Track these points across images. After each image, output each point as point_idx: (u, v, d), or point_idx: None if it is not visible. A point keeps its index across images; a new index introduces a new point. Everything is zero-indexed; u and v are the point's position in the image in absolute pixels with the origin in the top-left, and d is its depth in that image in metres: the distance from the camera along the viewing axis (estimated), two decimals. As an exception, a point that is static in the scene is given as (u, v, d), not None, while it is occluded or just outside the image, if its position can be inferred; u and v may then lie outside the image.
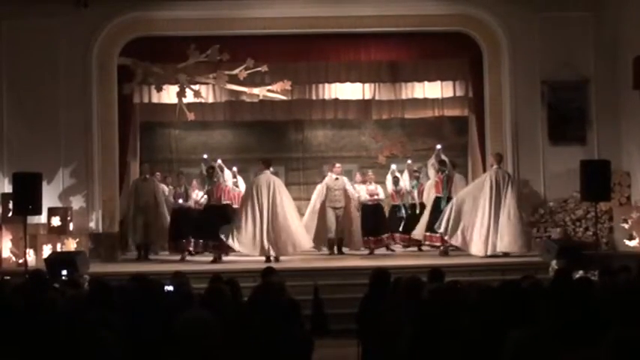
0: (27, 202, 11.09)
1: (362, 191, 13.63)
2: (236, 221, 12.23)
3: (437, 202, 12.90)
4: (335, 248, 13.37)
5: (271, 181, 12.36)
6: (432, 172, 13.30)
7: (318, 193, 13.42)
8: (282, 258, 12.25)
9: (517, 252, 12.10)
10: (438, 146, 13.57)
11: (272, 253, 12.06)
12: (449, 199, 12.68)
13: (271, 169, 12.79)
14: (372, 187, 13.88)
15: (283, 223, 12.15)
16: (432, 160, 13.32)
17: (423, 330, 4.31)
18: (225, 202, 12.91)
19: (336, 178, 13.35)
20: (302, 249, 12.49)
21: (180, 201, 13.51)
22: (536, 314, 4.54)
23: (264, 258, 11.96)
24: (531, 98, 13.56)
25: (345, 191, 13.30)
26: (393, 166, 14.47)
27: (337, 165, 13.66)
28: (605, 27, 13.47)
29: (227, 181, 13.15)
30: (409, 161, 14.57)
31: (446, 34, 13.80)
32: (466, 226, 12.25)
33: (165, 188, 13.87)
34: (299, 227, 12.47)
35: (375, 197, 13.74)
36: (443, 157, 13.24)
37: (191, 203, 13.46)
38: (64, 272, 9.83)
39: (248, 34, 13.60)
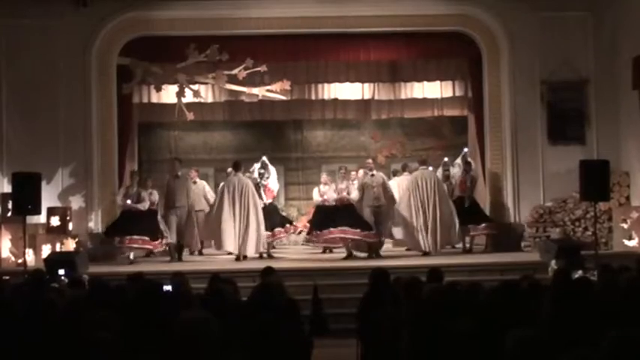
0: (26, 202, 11.07)
1: (329, 191, 12.66)
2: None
3: (461, 200, 13.17)
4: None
5: (242, 183, 12.53)
6: (456, 171, 13.57)
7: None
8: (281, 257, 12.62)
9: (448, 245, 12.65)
10: (465, 149, 14.05)
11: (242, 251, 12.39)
12: (471, 198, 13.21)
13: (241, 171, 12.84)
14: (343, 185, 12.68)
15: (251, 224, 12.39)
16: (458, 161, 13.69)
17: (423, 330, 4.31)
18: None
19: (372, 175, 12.55)
20: (257, 252, 12.55)
21: (129, 202, 12.53)
22: (535, 314, 4.54)
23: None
24: (531, 98, 13.56)
25: (385, 187, 12.58)
26: (446, 159, 14.21)
27: (369, 160, 13.09)
28: (605, 27, 13.48)
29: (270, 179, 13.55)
30: (446, 159, 14.23)
31: (445, 34, 13.80)
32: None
33: (206, 185, 14.09)
34: (260, 231, 12.55)
35: (344, 195, 12.54)
36: (469, 159, 13.60)
37: (143, 207, 12.51)
38: (62, 272, 9.81)
39: (247, 34, 13.60)
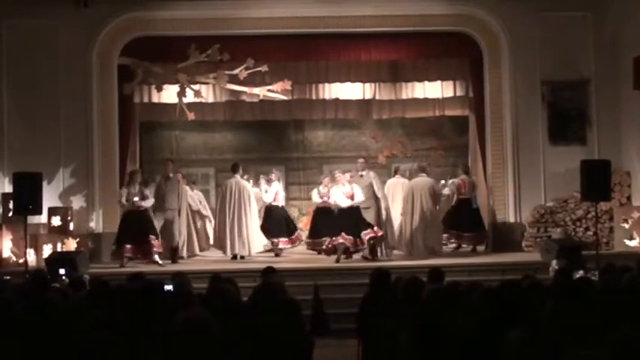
0: (27, 202, 11.09)
1: (338, 195, 12.22)
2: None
3: (462, 203, 13.54)
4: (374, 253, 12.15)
5: (239, 185, 12.77)
6: (446, 193, 13.92)
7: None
8: (281, 257, 12.76)
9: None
10: (452, 180, 14.15)
11: (236, 251, 12.64)
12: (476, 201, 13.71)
13: (239, 173, 12.98)
14: (347, 188, 12.23)
15: (244, 224, 12.65)
16: (450, 182, 14.00)
17: (423, 330, 4.31)
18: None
19: (361, 175, 12.36)
20: (253, 252, 12.78)
21: (137, 199, 12.15)
22: (536, 314, 4.54)
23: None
24: (531, 98, 13.55)
25: (373, 188, 12.18)
26: (442, 182, 14.24)
27: (360, 160, 12.93)
28: (605, 27, 13.47)
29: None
30: (442, 181, 14.26)
31: (446, 34, 13.79)
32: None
33: (189, 190, 13.93)
34: (255, 231, 12.77)
35: (350, 201, 12.12)
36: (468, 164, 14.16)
37: (147, 204, 12.23)
38: (62, 271, 9.82)
39: (248, 34, 13.59)
